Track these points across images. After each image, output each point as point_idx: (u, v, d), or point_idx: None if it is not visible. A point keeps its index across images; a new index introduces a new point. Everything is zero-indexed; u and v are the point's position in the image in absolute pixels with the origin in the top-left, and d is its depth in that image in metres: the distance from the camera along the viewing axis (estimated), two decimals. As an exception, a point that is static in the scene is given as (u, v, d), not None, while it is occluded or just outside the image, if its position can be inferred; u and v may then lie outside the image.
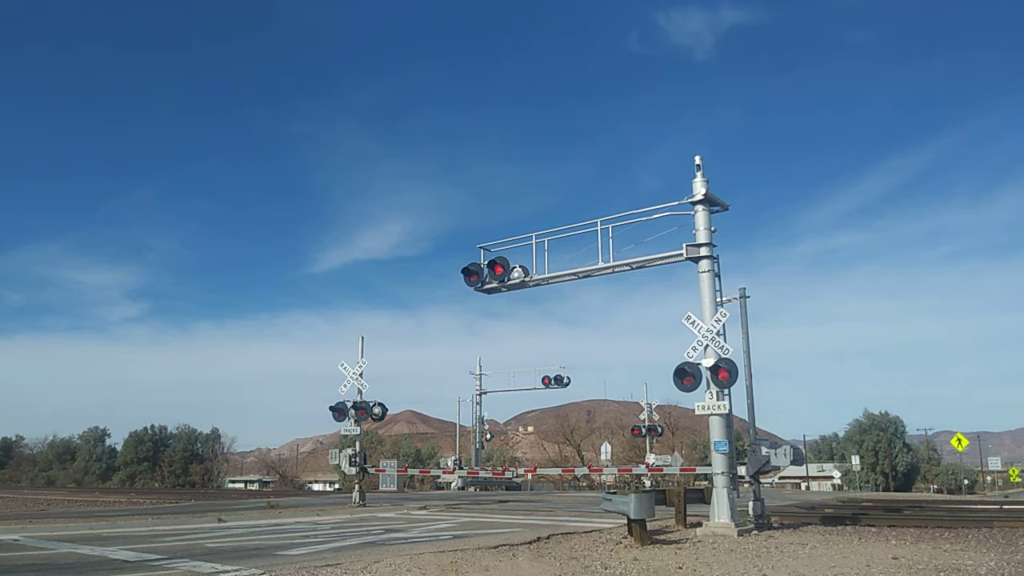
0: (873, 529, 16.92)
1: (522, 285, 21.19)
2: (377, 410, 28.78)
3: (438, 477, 49.33)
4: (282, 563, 10.85)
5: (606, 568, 10.82)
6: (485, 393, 49.58)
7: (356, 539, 14.91)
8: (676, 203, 18.28)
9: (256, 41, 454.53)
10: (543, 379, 46.68)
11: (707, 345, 16.85)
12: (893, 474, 74.09)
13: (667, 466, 33.39)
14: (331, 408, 28.32)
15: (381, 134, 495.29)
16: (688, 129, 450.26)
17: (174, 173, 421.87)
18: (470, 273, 21.44)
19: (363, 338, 28.58)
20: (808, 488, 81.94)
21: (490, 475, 42.50)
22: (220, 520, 19.90)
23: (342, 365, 28.06)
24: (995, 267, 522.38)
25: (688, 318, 17.08)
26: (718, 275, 17.74)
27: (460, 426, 53.43)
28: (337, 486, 72.10)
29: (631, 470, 40.42)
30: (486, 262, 21.33)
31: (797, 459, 18.19)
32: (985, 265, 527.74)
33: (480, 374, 49.58)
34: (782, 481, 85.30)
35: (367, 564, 10.59)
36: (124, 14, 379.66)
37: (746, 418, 19.00)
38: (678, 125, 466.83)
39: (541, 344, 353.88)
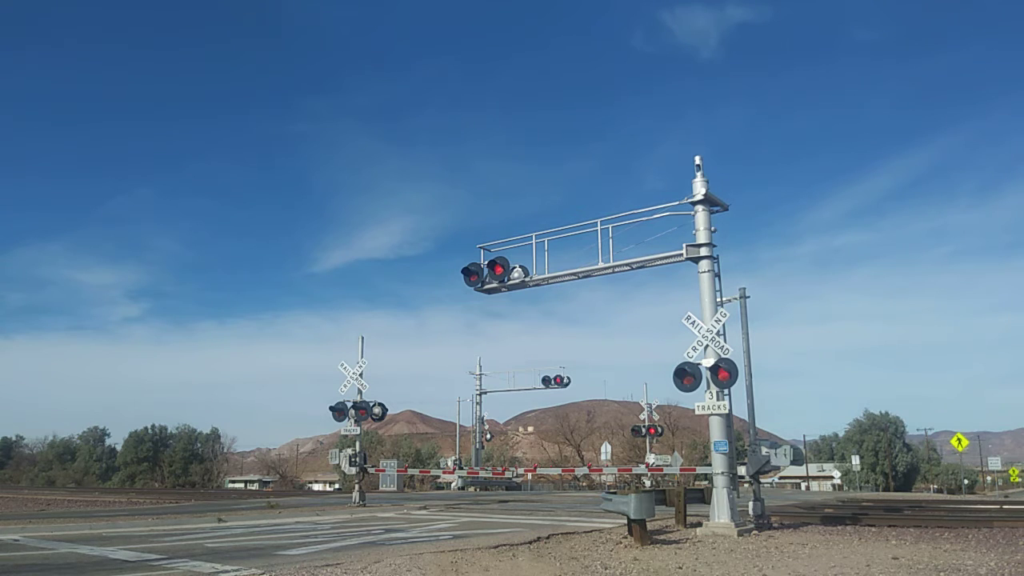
0: (873, 529, 16.92)
1: (522, 285, 21.20)
2: (377, 410, 28.78)
3: (438, 477, 49.35)
4: (282, 563, 10.85)
5: (606, 568, 10.82)
6: (485, 393, 49.61)
7: (356, 539, 14.91)
8: (676, 203, 18.30)
9: (257, 40, 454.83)
10: (543, 379, 46.69)
11: (707, 345, 16.85)
12: (893, 474, 74.08)
13: (667, 466, 33.36)
14: (331, 408, 28.32)
15: (383, 133, 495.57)
16: (692, 128, 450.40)
17: (174, 172, 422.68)
18: (470, 273, 21.45)
19: (363, 338, 28.64)
20: (808, 488, 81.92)
21: (490, 475, 42.48)
22: (220, 520, 19.90)
23: (342, 365, 28.06)
24: (997, 267, 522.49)
25: (688, 318, 17.09)
26: (718, 275, 17.76)
27: (460, 426, 53.47)
28: (337, 486, 72.06)
29: (631, 470, 40.38)
30: (486, 262, 21.35)
31: (797, 459, 18.20)
32: (987, 265, 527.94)
33: (480, 374, 49.61)
34: (782, 481, 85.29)
35: (367, 564, 10.59)
36: (124, 14, 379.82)
37: (746, 418, 19.01)
38: (682, 124, 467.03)
39: (541, 344, 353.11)
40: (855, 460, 72.64)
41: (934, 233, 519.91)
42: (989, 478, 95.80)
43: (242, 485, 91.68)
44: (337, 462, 31.55)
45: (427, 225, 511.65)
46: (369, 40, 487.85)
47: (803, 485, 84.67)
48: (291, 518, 21.09)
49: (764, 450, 17.42)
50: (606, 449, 52.74)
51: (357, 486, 28.91)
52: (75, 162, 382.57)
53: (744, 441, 31.89)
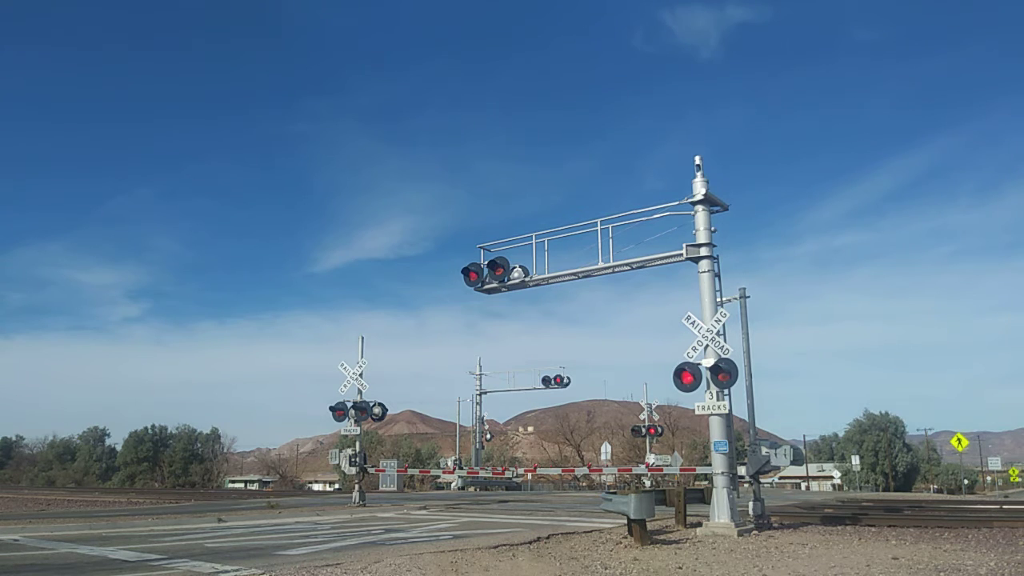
0: (873, 529, 16.91)
1: (522, 285, 21.20)
2: (377, 410, 28.79)
3: (438, 477, 49.34)
4: (282, 563, 10.85)
5: (606, 568, 10.82)
6: (485, 393, 49.60)
7: (356, 539, 14.91)
8: (676, 203, 18.29)
9: (257, 40, 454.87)
10: (543, 379, 46.68)
11: (707, 345, 16.85)
12: (893, 474, 74.09)
13: (667, 466, 33.37)
14: (331, 408, 28.31)
15: (383, 133, 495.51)
16: (692, 128, 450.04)
17: (175, 172, 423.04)
18: (470, 273, 21.46)
19: (363, 338, 28.64)
20: (808, 488, 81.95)
21: (490, 475, 42.50)
22: (220, 520, 19.90)
23: (342, 365, 28.06)
24: (997, 267, 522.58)
25: (688, 318, 17.08)
26: (718, 275, 17.75)
27: (460, 426, 53.45)
28: (337, 486, 72.07)
29: (631, 470, 40.40)
30: (486, 262, 21.35)
31: (797, 459, 18.20)
32: (987, 265, 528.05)
33: (480, 374, 49.60)
34: (782, 481, 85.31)
35: (367, 564, 10.59)
36: (124, 13, 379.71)
37: (746, 418, 19.01)
38: (682, 124, 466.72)
39: (541, 344, 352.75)
40: (855, 460, 72.64)
41: (934, 233, 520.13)
42: (989, 478, 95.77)
43: (242, 485, 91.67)
44: (337, 462, 31.55)
45: (427, 225, 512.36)
46: (369, 40, 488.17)
47: (803, 485, 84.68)
48: (291, 518, 21.09)
49: (764, 450, 17.42)
50: (606, 449, 52.73)
51: (357, 486, 28.90)
52: (75, 162, 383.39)
53: (744, 441, 31.88)
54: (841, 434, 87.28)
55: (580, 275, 20.40)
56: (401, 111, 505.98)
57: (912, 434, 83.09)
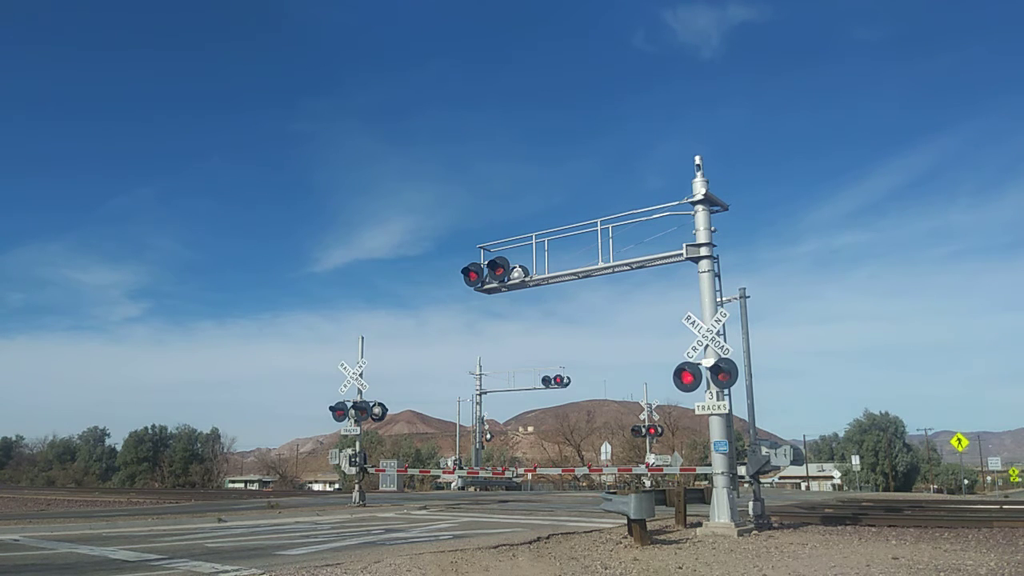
0: (873, 529, 16.92)
1: (522, 285, 21.20)
2: (377, 410, 28.78)
3: (438, 477, 49.36)
4: (282, 563, 10.85)
5: (606, 568, 10.82)
6: (485, 393, 49.56)
7: (356, 539, 14.91)
8: (676, 203, 18.30)
9: (258, 39, 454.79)
10: (543, 379, 46.66)
11: (707, 345, 16.85)
12: (893, 474, 74.12)
13: (667, 466, 33.35)
14: (331, 408, 28.31)
15: (384, 133, 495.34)
16: (692, 128, 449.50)
17: (175, 172, 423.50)
18: (470, 273, 21.47)
19: (363, 338, 28.64)
20: (808, 488, 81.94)
21: (490, 475, 42.49)
22: (220, 520, 19.90)
23: (342, 365, 28.06)
24: (997, 267, 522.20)
25: (688, 318, 17.08)
26: (718, 275, 17.75)
27: (460, 426, 53.45)
28: (337, 486, 72.10)
29: (631, 470, 40.40)
30: (486, 262, 21.35)
31: (797, 459, 18.20)
32: (987, 265, 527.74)
33: (480, 374, 49.57)
34: (782, 481, 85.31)
35: (367, 564, 10.59)
36: (125, 13, 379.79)
37: (746, 418, 19.01)
38: (683, 124, 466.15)
39: (541, 344, 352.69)
40: (855, 460, 72.69)
41: (934, 233, 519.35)
42: (989, 478, 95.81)
43: (242, 485, 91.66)
44: (337, 462, 31.54)
45: (427, 225, 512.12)
46: (369, 40, 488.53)
47: (803, 485, 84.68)
48: (291, 518, 21.09)
49: (764, 450, 17.42)
50: (606, 449, 52.75)
51: (357, 486, 28.90)
52: (75, 162, 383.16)
53: (744, 441, 31.89)
54: (841, 434, 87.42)
55: (580, 275, 20.40)
56: (401, 111, 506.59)
57: (912, 434, 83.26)
